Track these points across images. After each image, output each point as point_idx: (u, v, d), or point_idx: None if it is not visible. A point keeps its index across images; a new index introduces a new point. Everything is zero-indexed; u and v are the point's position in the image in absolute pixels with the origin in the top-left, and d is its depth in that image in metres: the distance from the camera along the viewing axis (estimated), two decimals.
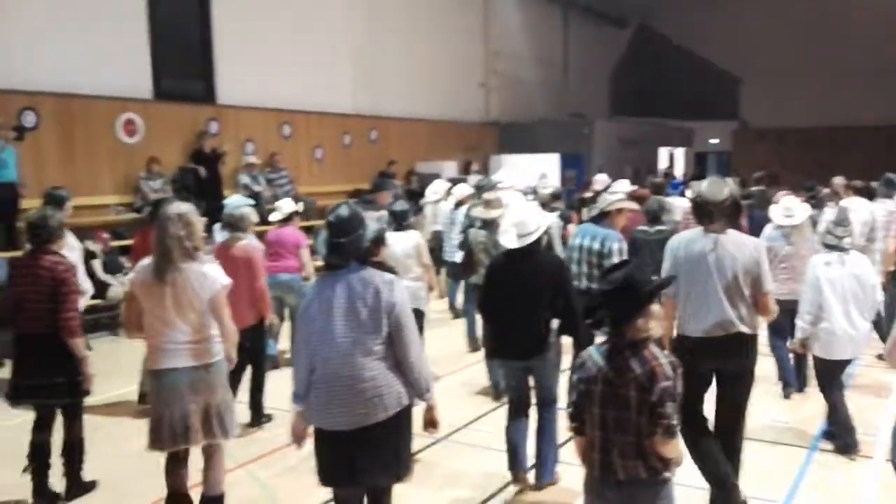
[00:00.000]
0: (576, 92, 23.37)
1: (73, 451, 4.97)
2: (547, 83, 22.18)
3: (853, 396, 6.17)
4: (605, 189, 11.83)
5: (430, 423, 3.79)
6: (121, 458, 5.20)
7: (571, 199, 13.42)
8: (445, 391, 7.07)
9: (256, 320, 6.20)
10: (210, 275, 4.19)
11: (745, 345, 4.37)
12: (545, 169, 16.15)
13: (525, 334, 4.85)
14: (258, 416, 6.39)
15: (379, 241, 4.89)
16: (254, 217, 6.59)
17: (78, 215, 10.15)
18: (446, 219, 9.89)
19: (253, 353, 6.32)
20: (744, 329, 4.33)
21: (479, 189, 9.08)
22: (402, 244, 6.63)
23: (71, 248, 6.79)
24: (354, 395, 3.48)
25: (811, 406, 6.07)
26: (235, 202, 7.34)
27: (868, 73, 22.35)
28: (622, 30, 26.28)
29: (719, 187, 4.40)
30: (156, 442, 4.21)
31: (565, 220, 8.42)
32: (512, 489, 5.02)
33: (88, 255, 9.34)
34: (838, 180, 10.88)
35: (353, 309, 3.51)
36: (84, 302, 6.10)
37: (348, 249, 3.59)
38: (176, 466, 4.39)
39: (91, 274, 8.95)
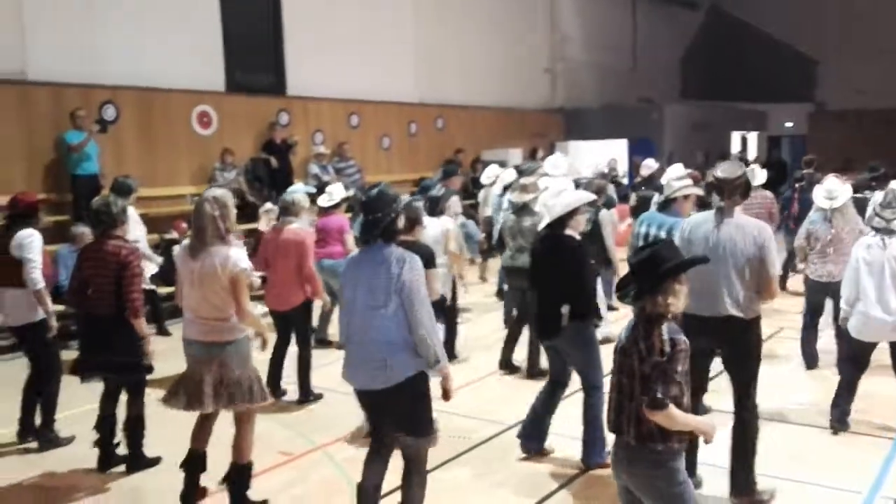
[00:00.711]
0: (645, 76, 22.99)
1: (134, 426, 5.23)
2: (615, 68, 21.88)
3: None
4: (653, 174, 11.76)
5: (444, 392, 4.01)
6: (177, 433, 5.29)
7: (631, 185, 13.26)
8: (516, 381, 7.12)
9: (303, 301, 6.44)
10: (232, 257, 4.39)
11: (738, 328, 4.36)
12: (612, 155, 16.00)
13: (544, 314, 5.12)
14: (305, 395, 6.60)
15: (413, 221, 5.18)
16: (305, 202, 6.78)
17: (156, 205, 10.59)
18: (495, 204, 9.93)
19: (299, 333, 6.57)
20: (735, 312, 4.32)
21: (520, 173, 9.13)
22: (433, 230, 6.69)
23: (136, 223, 7.07)
24: (366, 359, 3.86)
25: (884, 397, 5.90)
26: (294, 189, 7.67)
27: None
28: (693, 12, 25.70)
29: (734, 167, 4.51)
30: (168, 399, 4.55)
31: (608, 205, 8.44)
32: (590, 475, 5.02)
33: (170, 243, 9.64)
34: None
35: (369, 283, 3.84)
36: (151, 271, 6.31)
37: (375, 227, 3.88)
38: (200, 429, 4.69)
39: (171, 262, 9.24)
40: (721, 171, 4.47)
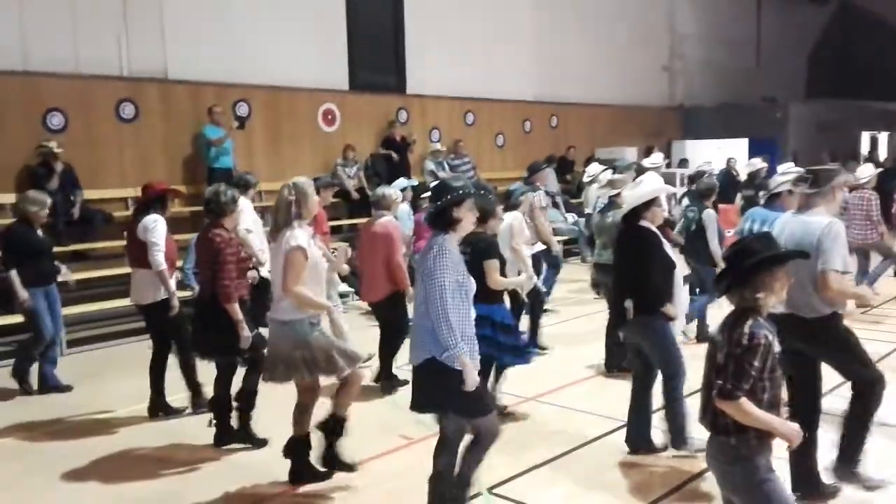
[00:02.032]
0: (768, 74, 22.20)
1: (243, 400, 5.48)
2: (737, 65, 21.23)
3: None
4: (755, 173, 11.44)
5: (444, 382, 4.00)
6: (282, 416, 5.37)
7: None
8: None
9: (390, 293, 6.56)
10: (288, 237, 4.56)
11: (805, 326, 4.26)
12: (731, 154, 15.60)
13: (615, 305, 5.16)
14: (388, 382, 6.70)
15: (485, 213, 5.21)
16: (395, 196, 6.93)
17: None
18: (593, 202, 9.96)
19: (386, 322, 6.72)
20: (791, 311, 4.21)
21: (615, 170, 9.10)
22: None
23: (255, 222, 7.49)
24: (411, 339, 4.12)
25: None
26: (398, 184, 8.10)
27: None
28: (821, 8, 24.59)
29: (832, 166, 4.51)
30: (264, 373, 4.81)
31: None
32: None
33: None
34: None
35: (420, 269, 4.02)
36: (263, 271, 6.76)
37: (431, 217, 4.08)
38: (300, 414, 4.86)
39: None
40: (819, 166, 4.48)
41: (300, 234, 4.59)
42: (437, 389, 3.99)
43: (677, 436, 5.11)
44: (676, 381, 5.05)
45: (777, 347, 3.06)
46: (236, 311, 5.25)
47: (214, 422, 5.54)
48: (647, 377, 5.24)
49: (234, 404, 5.56)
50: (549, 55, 16.11)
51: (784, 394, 3.15)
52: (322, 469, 4.92)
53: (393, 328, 6.74)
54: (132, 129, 10.47)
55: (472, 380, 3.91)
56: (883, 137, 23.84)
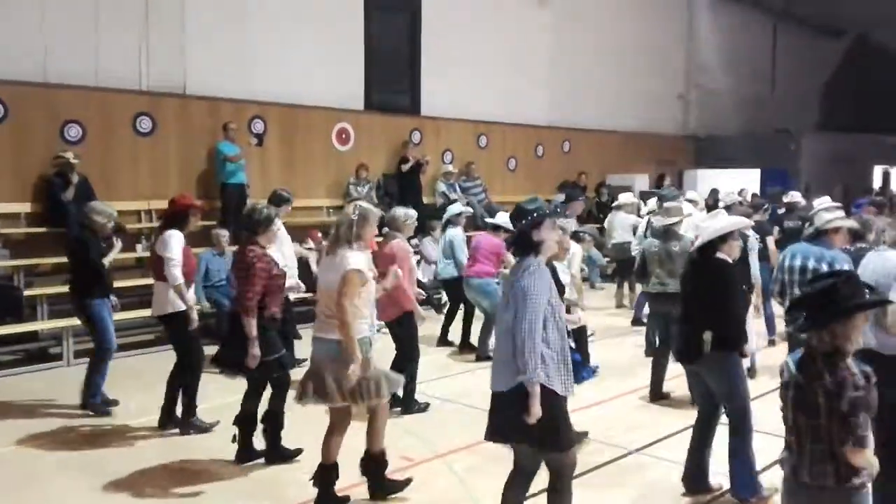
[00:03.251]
0: (783, 105, 22.23)
1: (270, 421, 5.48)
2: (751, 96, 21.29)
3: None
4: (793, 204, 11.46)
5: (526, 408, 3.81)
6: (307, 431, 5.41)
7: (775, 216, 12.91)
8: (644, 407, 7.08)
9: (400, 314, 6.56)
10: (346, 257, 4.56)
11: (878, 364, 4.08)
12: (743, 185, 15.59)
13: (685, 337, 4.99)
14: (406, 406, 6.69)
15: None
16: (405, 218, 6.82)
17: (294, 215, 11.14)
18: (631, 229, 10.00)
19: (399, 343, 6.69)
20: (868, 346, 4.05)
21: (661, 199, 9.13)
22: None
23: (281, 242, 7.50)
24: (497, 362, 4.02)
25: None
26: (452, 210, 8.53)
27: None
28: (838, 41, 24.67)
29: None
30: (299, 397, 4.74)
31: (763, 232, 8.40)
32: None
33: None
34: None
35: (508, 292, 3.98)
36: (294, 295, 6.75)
37: (513, 244, 4.10)
38: (330, 436, 4.80)
39: (308, 269, 9.63)
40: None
41: (358, 257, 4.64)
42: (515, 417, 3.83)
43: (752, 481, 4.86)
44: (748, 417, 4.88)
45: None
46: (252, 325, 5.23)
47: (238, 438, 5.51)
48: (714, 416, 5.08)
49: (261, 425, 5.54)
50: (564, 80, 16.20)
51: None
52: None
53: (402, 349, 6.74)
54: (148, 143, 10.56)
55: (535, 410, 3.77)
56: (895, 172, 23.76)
